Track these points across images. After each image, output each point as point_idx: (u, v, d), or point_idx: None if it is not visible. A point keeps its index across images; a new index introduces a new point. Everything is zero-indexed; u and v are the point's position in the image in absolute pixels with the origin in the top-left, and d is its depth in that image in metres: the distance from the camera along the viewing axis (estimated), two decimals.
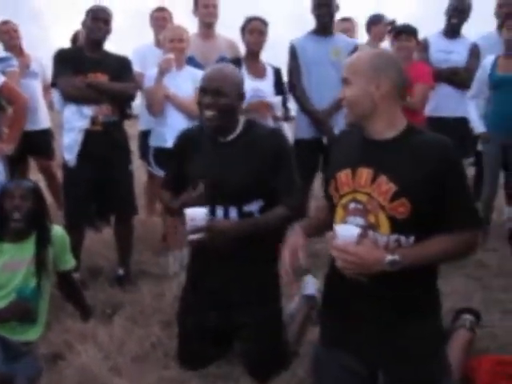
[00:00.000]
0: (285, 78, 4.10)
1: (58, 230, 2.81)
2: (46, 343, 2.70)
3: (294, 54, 4.11)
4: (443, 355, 2.14)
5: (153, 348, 2.71)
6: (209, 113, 2.40)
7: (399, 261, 1.83)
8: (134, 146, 4.61)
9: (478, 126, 4.21)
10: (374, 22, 5.48)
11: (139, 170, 5.12)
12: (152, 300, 3.23)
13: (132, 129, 5.18)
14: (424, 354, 2.04)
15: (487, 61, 4.15)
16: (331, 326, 2.26)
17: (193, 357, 2.56)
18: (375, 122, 1.97)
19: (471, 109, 4.26)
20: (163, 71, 3.56)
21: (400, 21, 4.89)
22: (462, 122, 4.46)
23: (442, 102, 4.46)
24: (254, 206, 2.46)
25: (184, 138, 2.63)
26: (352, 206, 2.00)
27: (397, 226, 1.91)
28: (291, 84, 4.08)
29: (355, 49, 4.10)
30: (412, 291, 2.01)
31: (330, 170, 2.12)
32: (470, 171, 5.21)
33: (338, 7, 4.14)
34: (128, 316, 3.04)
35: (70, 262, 2.89)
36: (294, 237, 2.15)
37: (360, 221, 1.97)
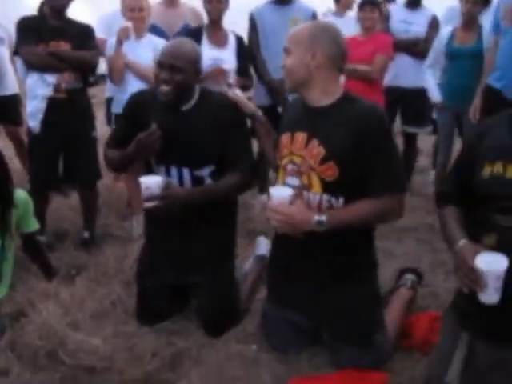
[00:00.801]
0: None
1: (20, 194, 2.88)
2: (11, 302, 2.78)
3: (253, 23, 4.19)
4: (378, 312, 2.31)
5: (112, 306, 2.82)
6: (164, 88, 2.45)
7: (326, 221, 1.97)
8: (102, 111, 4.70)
9: (435, 94, 4.31)
10: None
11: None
12: (115, 262, 3.32)
13: (103, 94, 5.23)
14: (359, 311, 2.21)
15: (444, 31, 4.24)
16: (277, 285, 2.42)
17: (150, 313, 2.69)
18: (311, 89, 2.10)
19: (429, 77, 4.35)
20: (121, 40, 3.62)
21: None
22: (421, 92, 4.54)
23: (401, 72, 4.55)
24: (205, 171, 2.56)
25: (136, 101, 2.67)
26: (289, 167, 2.15)
27: (327, 187, 2.05)
28: (250, 53, 4.14)
29: (313, 16, 4.22)
30: (348, 254, 2.16)
31: (278, 134, 2.26)
32: (430, 139, 5.39)
33: None
34: (91, 276, 3.14)
35: (33, 225, 2.97)
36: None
37: (296, 181, 2.11)
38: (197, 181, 2.56)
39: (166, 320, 2.69)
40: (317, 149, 2.06)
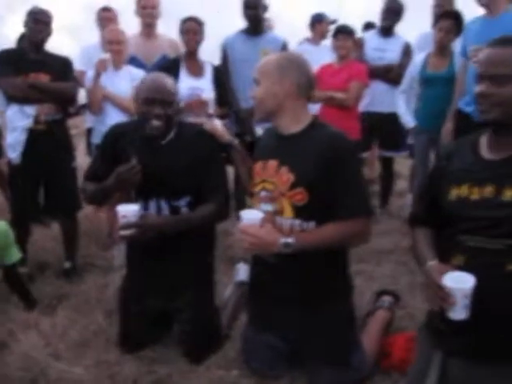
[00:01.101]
0: None
1: (1, 225, 2.91)
2: None
3: (224, 53, 4.32)
4: (354, 333, 2.36)
5: (94, 335, 2.82)
6: (158, 123, 2.50)
7: (293, 243, 2.02)
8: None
9: (407, 120, 4.41)
10: (318, 20, 5.70)
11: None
12: (96, 291, 3.34)
13: (84, 124, 5.28)
14: (336, 333, 2.26)
15: (418, 58, 4.35)
16: (256, 309, 2.46)
17: (132, 340, 2.70)
18: (281, 118, 2.18)
19: (400, 103, 4.45)
20: (99, 72, 3.69)
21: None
22: (396, 117, 4.63)
23: (377, 98, 4.66)
24: (182, 201, 2.61)
25: (114, 133, 2.71)
26: (262, 193, 2.21)
27: (298, 211, 2.11)
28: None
29: (284, 46, 4.34)
30: (323, 277, 2.21)
31: (252, 162, 2.33)
32: (407, 163, 5.49)
33: (266, 8, 4.35)
34: (72, 306, 3.15)
35: (14, 256, 2.99)
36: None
37: (269, 207, 2.17)
38: (174, 211, 2.61)
39: (147, 348, 2.70)
40: (286, 175, 2.13)
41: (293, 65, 2.18)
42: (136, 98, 2.61)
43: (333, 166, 2.07)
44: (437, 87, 4.20)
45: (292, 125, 2.19)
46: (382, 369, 2.49)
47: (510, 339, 1.71)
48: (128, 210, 2.40)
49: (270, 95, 2.16)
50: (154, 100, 2.51)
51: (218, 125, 2.67)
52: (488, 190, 1.70)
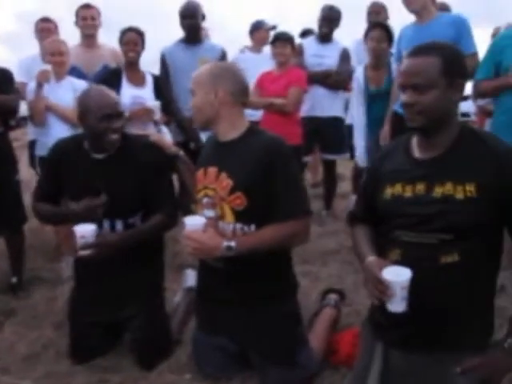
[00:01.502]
0: None
1: None
2: None
3: (163, 62, 4.37)
4: (300, 331, 2.44)
5: (44, 348, 2.81)
6: (115, 136, 2.57)
7: (234, 246, 2.09)
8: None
9: (361, 159, 4.54)
10: (256, 27, 5.79)
11: (32, 181, 5.14)
12: (45, 305, 3.32)
13: (26, 137, 5.20)
14: (281, 332, 2.33)
15: (359, 73, 4.47)
16: (204, 312, 2.51)
17: (83, 351, 2.70)
18: (219, 125, 2.25)
19: (358, 141, 4.57)
20: (41, 83, 3.68)
21: None
22: (336, 121, 4.83)
23: (317, 103, 4.77)
24: (136, 218, 2.66)
25: (59, 150, 2.73)
26: (205, 200, 2.28)
27: (238, 216, 2.19)
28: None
29: (222, 55, 4.44)
30: (267, 278, 2.29)
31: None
32: (349, 165, 5.63)
33: (204, 16, 4.42)
34: (20, 321, 3.12)
35: None
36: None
37: (211, 213, 2.24)
38: (129, 228, 2.66)
39: (98, 356, 2.71)
40: (226, 181, 2.21)
41: (225, 73, 2.26)
42: (86, 114, 2.59)
43: (269, 169, 2.15)
44: (382, 100, 4.34)
45: (229, 132, 2.27)
46: (331, 364, 2.57)
47: (445, 329, 1.82)
48: (86, 231, 2.43)
49: (206, 104, 2.23)
50: (113, 115, 2.56)
51: (164, 135, 2.73)
52: (420, 188, 1.81)
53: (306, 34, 5.82)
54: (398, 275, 1.74)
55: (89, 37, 4.44)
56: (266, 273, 2.27)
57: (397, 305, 1.76)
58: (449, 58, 1.76)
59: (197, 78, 2.29)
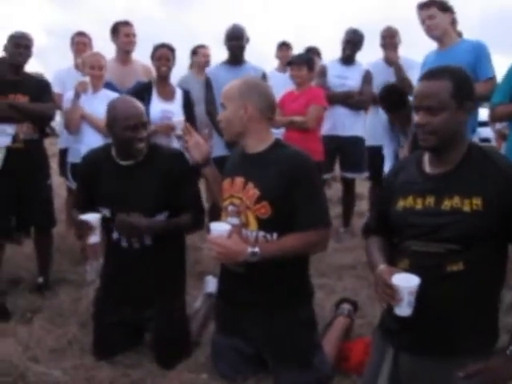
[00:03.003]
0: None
1: None
2: None
3: (208, 83, 4.56)
4: (315, 335, 2.55)
5: (69, 344, 2.93)
6: (142, 145, 2.72)
7: (258, 252, 2.22)
8: (54, 163, 4.87)
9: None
10: (280, 48, 5.98)
11: (60, 187, 5.34)
12: (70, 304, 3.45)
13: (54, 147, 5.42)
14: (298, 335, 2.44)
15: None
16: (223, 315, 2.63)
17: (106, 349, 2.83)
18: (247, 139, 2.39)
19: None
20: (79, 94, 3.88)
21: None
22: (357, 140, 4.96)
23: (338, 122, 4.93)
24: (161, 217, 2.79)
25: (88, 163, 2.90)
26: (230, 208, 2.41)
27: (262, 224, 2.31)
28: (208, 111, 4.50)
29: (264, 76, 4.61)
30: (284, 284, 2.41)
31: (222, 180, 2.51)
32: (368, 184, 5.73)
33: (248, 39, 4.61)
34: (47, 318, 3.25)
35: None
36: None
37: (235, 220, 2.37)
38: None
39: (120, 353, 2.84)
40: (252, 190, 2.34)
41: (254, 90, 2.41)
42: (114, 124, 2.74)
43: (294, 181, 2.28)
44: None
45: (257, 145, 2.41)
46: (342, 371, 2.66)
47: (450, 334, 1.92)
48: (89, 218, 2.63)
49: (235, 119, 2.38)
50: (139, 124, 2.71)
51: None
52: (430, 201, 1.93)
53: (309, 51, 5.83)
54: (406, 281, 1.86)
55: (126, 53, 4.66)
56: (284, 279, 2.39)
57: (403, 309, 1.87)
58: (459, 82, 1.89)
59: (227, 93, 2.43)
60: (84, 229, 2.63)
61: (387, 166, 4.57)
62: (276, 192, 2.29)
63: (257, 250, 2.24)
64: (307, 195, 2.31)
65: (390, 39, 4.95)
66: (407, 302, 1.85)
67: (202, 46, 5.71)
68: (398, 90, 4.04)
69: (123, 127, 2.69)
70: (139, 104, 2.81)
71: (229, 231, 2.27)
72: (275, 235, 2.33)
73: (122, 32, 4.65)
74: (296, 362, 2.44)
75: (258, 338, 2.48)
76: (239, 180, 2.40)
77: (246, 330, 2.50)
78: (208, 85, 4.56)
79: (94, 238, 2.64)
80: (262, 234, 2.34)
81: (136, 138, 2.70)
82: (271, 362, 2.51)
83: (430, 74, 1.95)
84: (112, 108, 2.80)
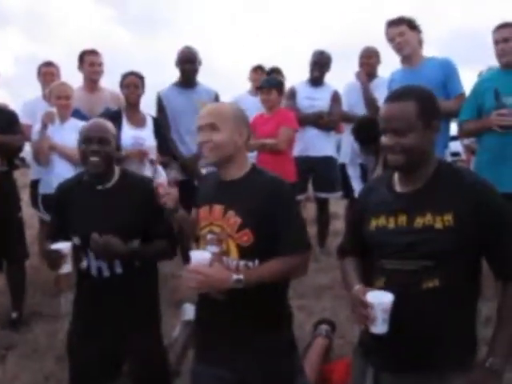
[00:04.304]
0: None
1: None
2: None
3: (160, 105, 4.59)
4: (296, 358, 2.52)
5: (46, 380, 2.90)
6: (95, 159, 2.65)
7: (243, 279, 2.19)
8: (26, 194, 4.81)
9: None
10: (255, 71, 6.00)
11: (33, 219, 5.26)
12: (45, 338, 3.40)
13: (25, 178, 5.35)
14: (280, 359, 2.40)
15: None
16: (202, 343, 2.57)
17: (84, 382, 2.77)
18: (232, 164, 2.32)
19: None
20: (46, 125, 3.85)
21: None
22: (329, 160, 5.01)
23: (310, 143, 4.98)
24: (133, 244, 2.76)
25: (61, 191, 2.85)
26: (209, 236, 2.37)
27: (243, 252, 2.28)
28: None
29: (216, 97, 4.67)
30: (265, 309, 2.37)
31: (196, 207, 2.47)
32: (342, 203, 5.78)
33: (200, 62, 4.66)
34: (22, 354, 3.21)
35: None
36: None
37: (215, 248, 2.33)
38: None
39: None
40: (234, 218, 2.29)
41: (244, 116, 2.39)
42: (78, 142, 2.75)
43: (274, 207, 2.26)
44: None
45: (236, 171, 2.36)
46: None
47: (430, 350, 1.92)
48: (60, 246, 2.57)
49: (231, 142, 2.29)
50: (92, 138, 2.67)
51: (159, 175, 2.79)
52: (402, 219, 1.94)
53: (272, 72, 5.82)
54: (380, 298, 1.86)
55: (93, 81, 4.65)
56: (266, 304, 2.36)
57: (379, 327, 1.87)
58: (424, 102, 1.91)
59: (222, 115, 2.32)
60: (56, 258, 2.58)
61: (355, 185, 4.63)
62: (258, 219, 2.26)
63: (241, 276, 2.20)
64: (288, 219, 2.29)
65: (366, 59, 5.03)
66: (381, 319, 1.85)
67: None
68: (369, 125, 4.08)
69: (80, 141, 2.71)
70: (106, 122, 2.79)
71: (210, 259, 2.23)
72: (257, 262, 2.30)
73: (87, 61, 4.65)
74: None
75: (238, 364, 2.43)
76: (218, 208, 2.36)
77: (227, 356, 2.44)
78: (160, 106, 4.59)
79: (67, 268, 2.59)
80: (243, 262, 2.31)
81: (88, 150, 2.67)
82: None
83: (394, 96, 1.96)
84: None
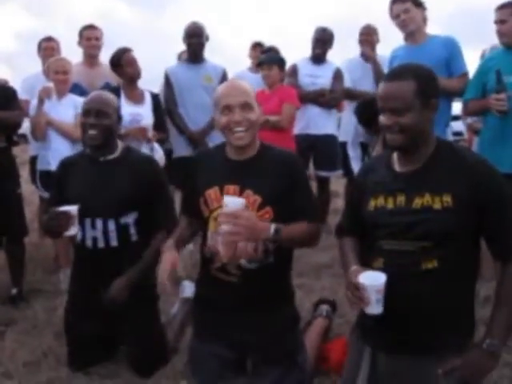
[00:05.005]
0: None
1: None
2: None
3: (167, 81, 4.54)
4: (299, 334, 2.52)
5: (44, 356, 2.89)
6: (92, 132, 2.67)
7: (281, 230, 2.11)
8: (26, 170, 4.79)
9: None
10: (254, 48, 5.94)
11: (33, 195, 5.25)
12: (44, 314, 3.41)
13: (25, 154, 5.33)
14: (283, 333, 2.39)
15: None
16: (201, 320, 2.56)
17: (81, 360, 2.79)
18: (250, 144, 2.25)
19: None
20: (42, 99, 3.81)
21: None
22: (330, 139, 4.97)
23: (311, 121, 4.93)
24: (130, 218, 2.75)
25: (63, 166, 2.87)
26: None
27: None
28: (168, 109, 4.49)
29: (224, 74, 4.61)
30: (273, 285, 2.36)
31: (198, 188, 2.33)
32: (342, 182, 5.75)
33: (208, 37, 4.60)
34: (21, 330, 3.21)
35: None
36: (169, 252, 2.26)
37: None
38: (122, 230, 2.74)
39: (96, 363, 2.80)
40: (253, 197, 2.22)
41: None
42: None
43: (290, 180, 2.23)
44: None
45: (251, 150, 2.29)
46: (322, 371, 2.67)
47: (428, 332, 1.92)
48: (69, 208, 2.58)
49: (258, 122, 2.27)
50: (90, 110, 2.68)
51: (156, 152, 2.79)
52: (400, 199, 1.92)
53: (269, 51, 5.57)
54: (373, 279, 1.85)
55: (92, 56, 4.60)
56: (272, 281, 2.33)
57: (373, 308, 1.86)
58: (422, 81, 1.87)
59: (250, 93, 2.25)
60: (63, 219, 2.57)
61: (355, 165, 4.60)
62: (277, 195, 2.22)
63: (280, 227, 2.12)
64: (304, 192, 2.27)
65: (366, 36, 4.97)
66: (375, 300, 1.84)
67: None
68: (372, 107, 4.03)
69: (81, 113, 2.74)
70: (107, 95, 2.80)
71: (244, 205, 2.07)
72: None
73: (84, 36, 4.61)
74: (282, 360, 2.37)
75: (242, 342, 2.41)
76: (232, 188, 2.26)
77: (228, 333, 2.43)
78: (167, 82, 4.56)
79: (74, 230, 2.59)
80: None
81: (86, 123, 2.69)
82: (254, 363, 2.44)
83: (392, 75, 1.93)
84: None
